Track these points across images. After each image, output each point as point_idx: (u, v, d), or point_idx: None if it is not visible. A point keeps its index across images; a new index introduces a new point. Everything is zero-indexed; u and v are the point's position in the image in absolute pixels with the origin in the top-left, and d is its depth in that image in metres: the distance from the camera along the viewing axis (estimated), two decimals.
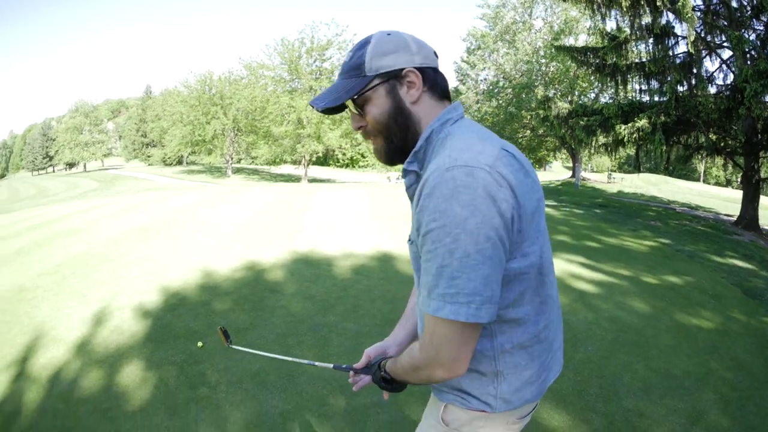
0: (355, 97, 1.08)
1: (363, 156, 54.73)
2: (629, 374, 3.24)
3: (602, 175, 31.51)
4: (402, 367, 1.15)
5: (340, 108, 1.11)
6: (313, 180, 33.67)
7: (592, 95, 28.07)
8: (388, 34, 1.09)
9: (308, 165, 37.70)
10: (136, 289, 5.44)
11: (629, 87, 13.87)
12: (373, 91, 1.08)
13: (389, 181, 32.51)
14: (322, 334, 4.36)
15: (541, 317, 1.10)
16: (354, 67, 1.09)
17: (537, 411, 2.88)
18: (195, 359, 3.97)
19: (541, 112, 18.22)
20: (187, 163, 63.85)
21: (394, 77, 1.07)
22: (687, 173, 43.99)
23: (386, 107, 1.09)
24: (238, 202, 12.69)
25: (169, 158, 52.43)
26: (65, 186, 35.69)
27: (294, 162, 39.31)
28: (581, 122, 13.69)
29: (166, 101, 52.70)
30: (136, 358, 3.97)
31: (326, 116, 30.29)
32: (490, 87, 32.39)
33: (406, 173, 1.10)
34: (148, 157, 74.64)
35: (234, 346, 2.08)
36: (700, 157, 14.74)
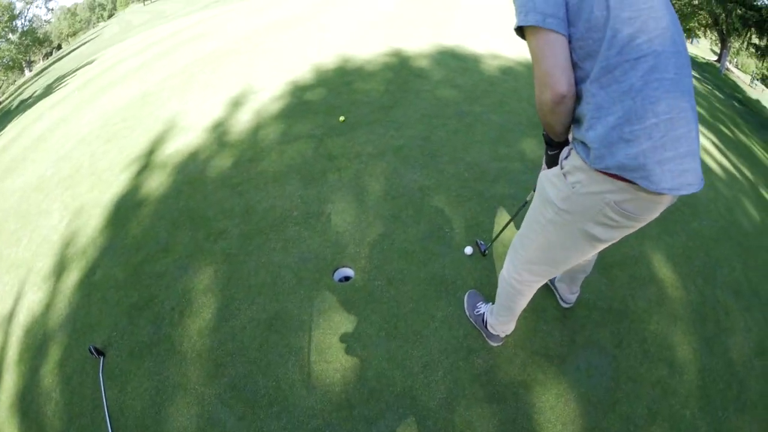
0: None
1: None
2: (728, 268, 3.05)
3: (745, 76, 26.27)
4: (540, 118, 1.34)
5: None
6: None
7: None
8: None
9: None
10: (271, 75, 5.30)
11: None
12: None
13: None
14: (467, 120, 4.06)
15: (621, 63, 1.17)
16: None
17: (650, 257, 2.83)
18: (336, 132, 3.86)
19: None
20: None
21: None
22: None
23: None
24: None
25: None
26: (183, 4, 35.68)
27: None
28: (738, 11, 12.90)
29: None
30: (271, 134, 3.93)
31: None
32: None
33: None
34: None
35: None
36: None
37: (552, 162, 1.52)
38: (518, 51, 5.97)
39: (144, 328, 2.44)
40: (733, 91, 15.35)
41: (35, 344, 2.63)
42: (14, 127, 8.04)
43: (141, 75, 6.51)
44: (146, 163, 3.87)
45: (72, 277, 2.93)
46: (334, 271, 2.60)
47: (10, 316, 2.91)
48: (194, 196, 3.29)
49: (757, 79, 29.02)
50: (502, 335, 2.09)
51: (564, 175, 1.37)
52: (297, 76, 5.12)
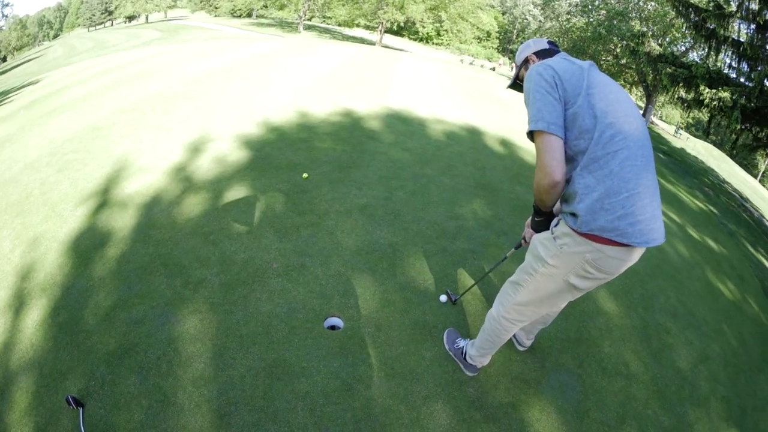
0: (518, 78, 2.12)
1: (439, 34, 51.16)
2: (663, 297, 3.65)
3: (669, 126, 30.55)
4: (534, 195, 1.76)
5: (514, 85, 2.17)
6: (386, 47, 32.20)
7: (683, 48, 26.37)
8: (524, 44, 2.08)
9: (383, 32, 36.01)
10: (228, 123, 5.40)
11: (720, 57, 13.33)
12: (521, 70, 2.08)
13: (462, 63, 31.19)
14: (422, 182, 4.55)
15: (604, 155, 1.59)
16: (515, 64, 2.11)
17: (595, 294, 3.39)
18: (301, 189, 4.07)
19: (632, 44, 19.16)
20: (256, 16, 60.75)
21: (526, 61, 2.04)
22: (747, 164, 40.37)
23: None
24: (318, 54, 12.16)
25: (238, 10, 49.96)
26: (126, 37, 34.09)
27: (368, 27, 37.77)
28: (668, 69, 13.53)
29: None
30: (236, 185, 4.03)
31: None
32: (585, 1, 30.32)
33: None
34: (216, 8, 70.40)
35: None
36: (765, 154, 13.88)
37: (538, 226, 1.94)
38: (459, 116, 6.64)
39: (128, 378, 2.35)
40: (658, 143, 17.30)
41: None
42: None
43: (89, 105, 6.20)
44: (104, 200, 3.75)
45: (33, 316, 2.72)
46: (324, 321, 2.75)
47: None
48: (164, 242, 3.26)
49: (682, 128, 33.04)
50: (479, 366, 2.45)
51: (554, 238, 1.76)
52: (253, 128, 5.29)
